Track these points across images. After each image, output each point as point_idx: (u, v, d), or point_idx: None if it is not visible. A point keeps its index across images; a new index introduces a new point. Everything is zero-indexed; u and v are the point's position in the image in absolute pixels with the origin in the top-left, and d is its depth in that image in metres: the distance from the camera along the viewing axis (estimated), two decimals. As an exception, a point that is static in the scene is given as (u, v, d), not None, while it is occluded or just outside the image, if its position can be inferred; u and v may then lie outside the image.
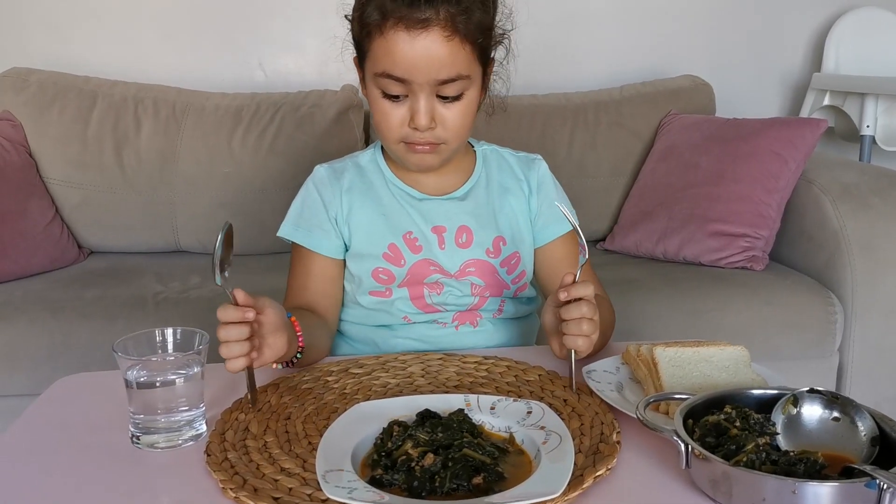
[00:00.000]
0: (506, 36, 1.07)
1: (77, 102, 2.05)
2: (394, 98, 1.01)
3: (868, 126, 2.30)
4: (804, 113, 2.50)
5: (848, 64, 2.48)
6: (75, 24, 2.26)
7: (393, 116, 1.02)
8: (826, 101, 2.45)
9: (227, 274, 0.83)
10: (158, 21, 2.29)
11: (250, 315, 0.82)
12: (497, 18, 1.05)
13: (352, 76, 2.33)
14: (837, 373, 1.78)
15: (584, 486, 0.69)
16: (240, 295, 0.84)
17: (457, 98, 1.01)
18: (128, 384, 0.80)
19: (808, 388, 0.75)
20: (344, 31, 1.08)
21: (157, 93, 2.12)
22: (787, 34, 2.59)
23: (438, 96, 1.00)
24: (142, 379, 0.80)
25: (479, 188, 1.14)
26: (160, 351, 0.84)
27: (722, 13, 2.52)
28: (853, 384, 1.76)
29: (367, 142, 2.18)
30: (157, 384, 0.80)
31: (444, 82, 0.98)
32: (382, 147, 1.16)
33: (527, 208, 1.15)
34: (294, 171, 2.06)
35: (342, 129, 2.11)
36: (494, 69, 1.09)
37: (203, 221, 2.06)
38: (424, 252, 1.09)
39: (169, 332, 0.84)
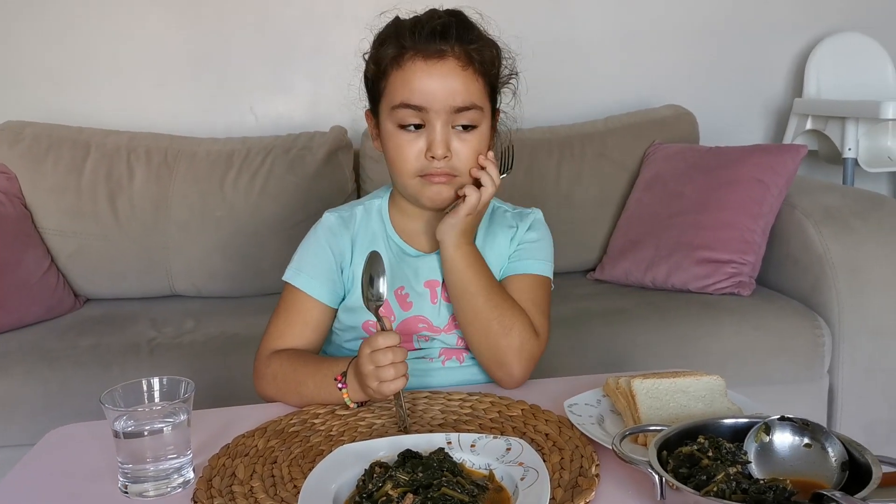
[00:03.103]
0: (513, 77, 1.11)
1: (71, 153, 2.09)
2: (410, 129, 1.03)
3: (850, 149, 2.33)
4: (788, 138, 2.53)
5: (828, 89, 2.53)
6: (68, 76, 2.31)
7: (409, 149, 1.04)
8: (809, 126, 2.49)
9: (377, 296, 0.97)
10: (150, 70, 2.34)
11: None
12: (502, 62, 1.09)
13: (341, 117, 2.37)
14: (828, 395, 1.79)
15: (562, 520, 0.70)
16: (389, 322, 0.97)
17: (471, 130, 1.04)
18: (115, 434, 0.81)
19: (779, 416, 0.76)
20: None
21: (150, 141, 2.16)
22: (767, 61, 2.64)
23: (453, 127, 1.03)
24: (129, 429, 0.81)
25: (475, 241, 1.14)
26: (147, 400, 0.86)
27: (703, 43, 2.57)
28: (844, 406, 1.77)
29: (358, 181, 2.21)
30: (145, 433, 0.82)
31: (460, 110, 1.02)
32: (391, 196, 1.17)
33: (507, 250, 1.16)
34: (286, 213, 2.09)
35: (332, 169, 2.15)
36: (501, 116, 1.13)
37: (197, 266, 2.09)
38: (414, 309, 1.12)
39: (155, 381, 0.86)
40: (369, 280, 0.98)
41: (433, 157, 1.03)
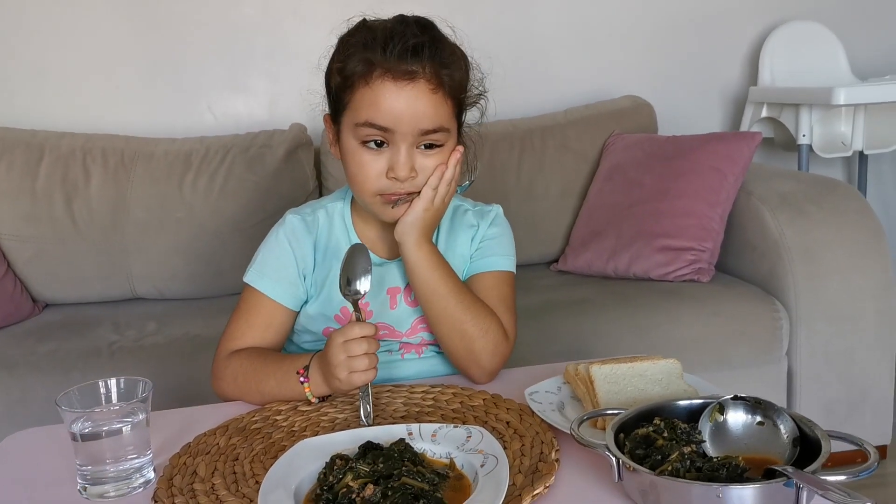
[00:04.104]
0: (482, 97, 1.10)
1: (25, 157, 2.05)
2: (374, 148, 1.01)
3: (804, 135, 2.37)
4: (744, 126, 2.57)
5: (783, 77, 2.57)
6: (20, 79, 2.26)
7: (371, 168, 1.02)
8: (764, 113, 2.53)
9: (355, 290, 0.97)
10: (105, 71, 2.30)
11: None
12: (472, 81, 1.07)
13: (300, 115, 2.35)
14: (787, 378, 1.82)
15: (523, 505, 0.71)
16: (365, 313, 0.96)
17: (436, 148, 1.02)
18: (73, 437, 0.81)
19: (732, 396, 0.78)
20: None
21: (106, 142, 2.13)
22: (723, 50, 2.68)
23: (418, 147, 1.01)
24: (87, 430, 0.81)
25: (438, 245, 1.14)
26: (105, 402, 0.85)
27: (659, 33, 2.60)
28: (803, 388, 1.81)
29: (320, 178, 2.20)
30: (104, 434, 0.81)
31: (427, 133, 1.00)
32: (353, 201, 1.15)
33: (469, 250, 1.16)
34: (246, 213, 2.08)
35: (292, 167, 2.13)
36: (465, 131, 1.11)
37: (157, 268, 2.06)
38: (375, 317, 1.11)
39: (113, 382, 0.85)
40: (346, 278, 0.97)
41: (395, 178, 1.01)
